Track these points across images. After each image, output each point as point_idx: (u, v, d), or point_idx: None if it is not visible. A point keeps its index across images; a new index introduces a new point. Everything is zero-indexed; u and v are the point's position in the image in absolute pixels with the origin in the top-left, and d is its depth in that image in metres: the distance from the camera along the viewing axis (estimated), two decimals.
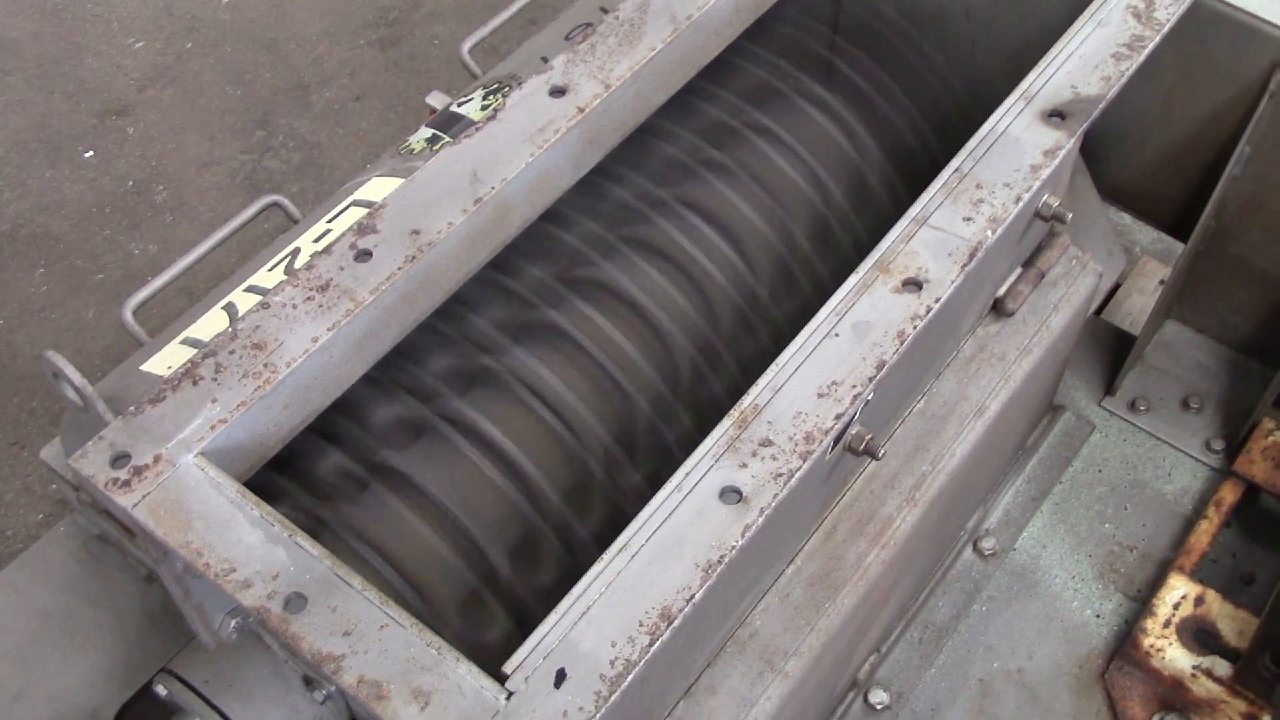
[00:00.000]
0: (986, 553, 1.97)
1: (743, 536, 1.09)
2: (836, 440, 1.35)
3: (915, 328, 1.22)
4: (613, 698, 1.00)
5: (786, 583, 1.50)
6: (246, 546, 1.09)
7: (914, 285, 1.24)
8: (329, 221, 1.46)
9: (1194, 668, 1.81)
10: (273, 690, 1.36)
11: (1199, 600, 1.86)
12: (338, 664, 1.02)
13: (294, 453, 1.33)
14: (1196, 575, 1.90)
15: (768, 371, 1.19)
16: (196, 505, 1.11)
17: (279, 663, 1.36)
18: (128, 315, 1.48)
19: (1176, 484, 2.05)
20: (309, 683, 1.35)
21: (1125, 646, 1.85)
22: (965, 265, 1.25)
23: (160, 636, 1.61)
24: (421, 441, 1.34)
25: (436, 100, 1.95)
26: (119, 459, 1.13)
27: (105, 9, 2.97)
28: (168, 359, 1.36)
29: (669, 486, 1.12)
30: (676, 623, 1.04)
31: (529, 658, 1.03)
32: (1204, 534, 1.94)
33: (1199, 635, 1.84)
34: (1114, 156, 2.13)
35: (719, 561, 1.07)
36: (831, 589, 1.49)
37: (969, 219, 1.29)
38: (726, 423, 1.16)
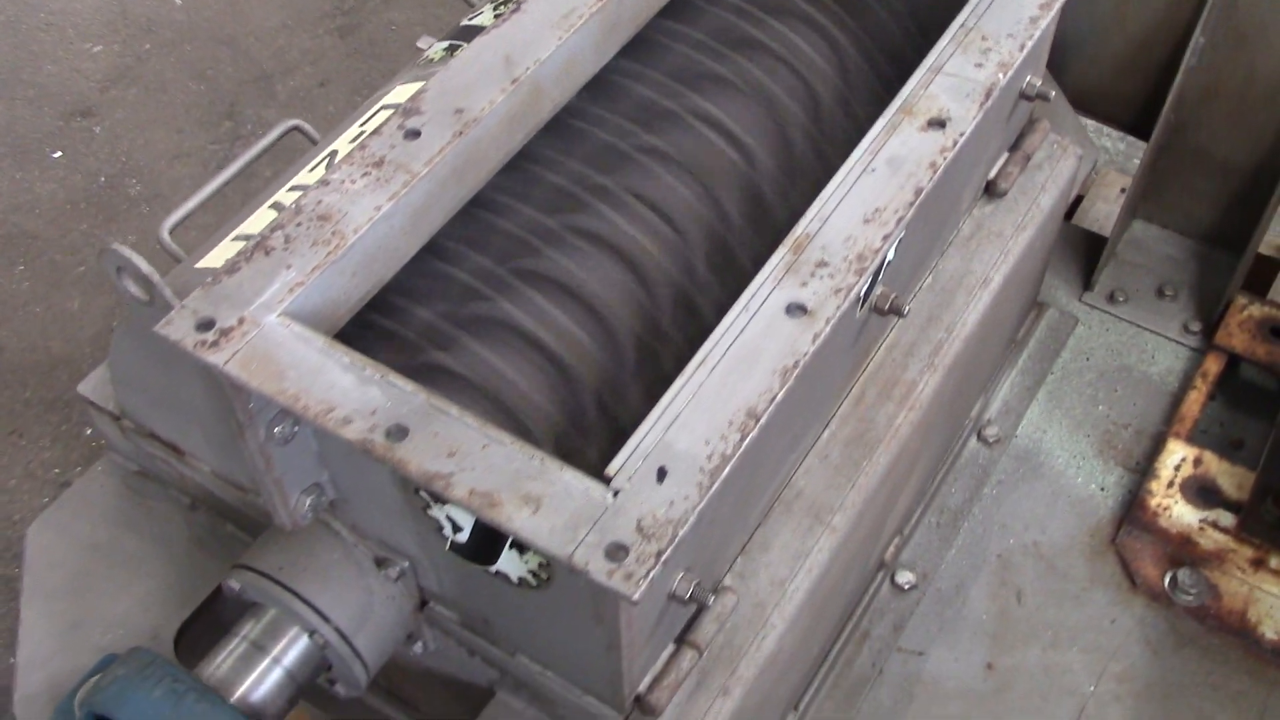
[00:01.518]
0: (991, 440, 2.05)
1: (813, 343, 1.15)
2: (864, 300, 1.42)
3: (945, 159, 1.29)
4: (714, 486, 1.06)
5: (824, 445, 1.56)
6: (341, 389, 1.12)
7: (938, 124, 1.32)
8: (361, 125, 1.51)
9: (1201, 521, 1.90)
10: (347, 573, 1.39)
11: (1197, 461, 1.96)
12: (447, 481, 1.06)
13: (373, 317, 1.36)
14: (1191, 441, 1.99)
15: (813, 205, 1.26)
16: (286, 358, 1.14)
17: (350, 547, 1.39)
18: (165, 235, 1.51)
19: (1160, 365, 2.15)
20: (380, 564, 1.38)
21: (1133, 511, 1.94)
22: (983, 104, 1.33)
23: (210, 558, 1.63)
24: (504, 296, 1.38)
25: (425, 43, 2.00)
26: (204, 324, 1.16)
27: (59, 17, 2.99)
28: (222, 255, 1.39)
29: (735, 309, 1.18)
30: (763, 420, 1.10)
31: (629, 460, 1.08)
32: (1194, 403, 2.04)
33: (1201, 492, 1.93)
34: (1074, 64, 2.24)
35: (794, 367, 1.13)
36: (867, 448, 1.56)
37: (980, 65, 1.37)
38: (781, 251, 1.22)
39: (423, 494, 1.23)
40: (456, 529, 1.25)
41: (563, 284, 1.45)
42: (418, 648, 1.50)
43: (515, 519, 1.04)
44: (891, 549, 1.89)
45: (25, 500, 2.28)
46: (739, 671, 1.39)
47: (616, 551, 1.02)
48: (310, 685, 1.43)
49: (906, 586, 1.90)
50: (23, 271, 2.69)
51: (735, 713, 1.38)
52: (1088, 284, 2.25)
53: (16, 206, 2.79)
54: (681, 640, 1.38)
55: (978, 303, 1.70)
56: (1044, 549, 1.95)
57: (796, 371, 1.13)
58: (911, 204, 1.25)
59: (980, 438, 2.05)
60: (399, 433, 1.09)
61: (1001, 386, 2.12)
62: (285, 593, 1.36)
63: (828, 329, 1.16)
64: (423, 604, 1.44)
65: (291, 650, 1.38)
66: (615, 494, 1.05)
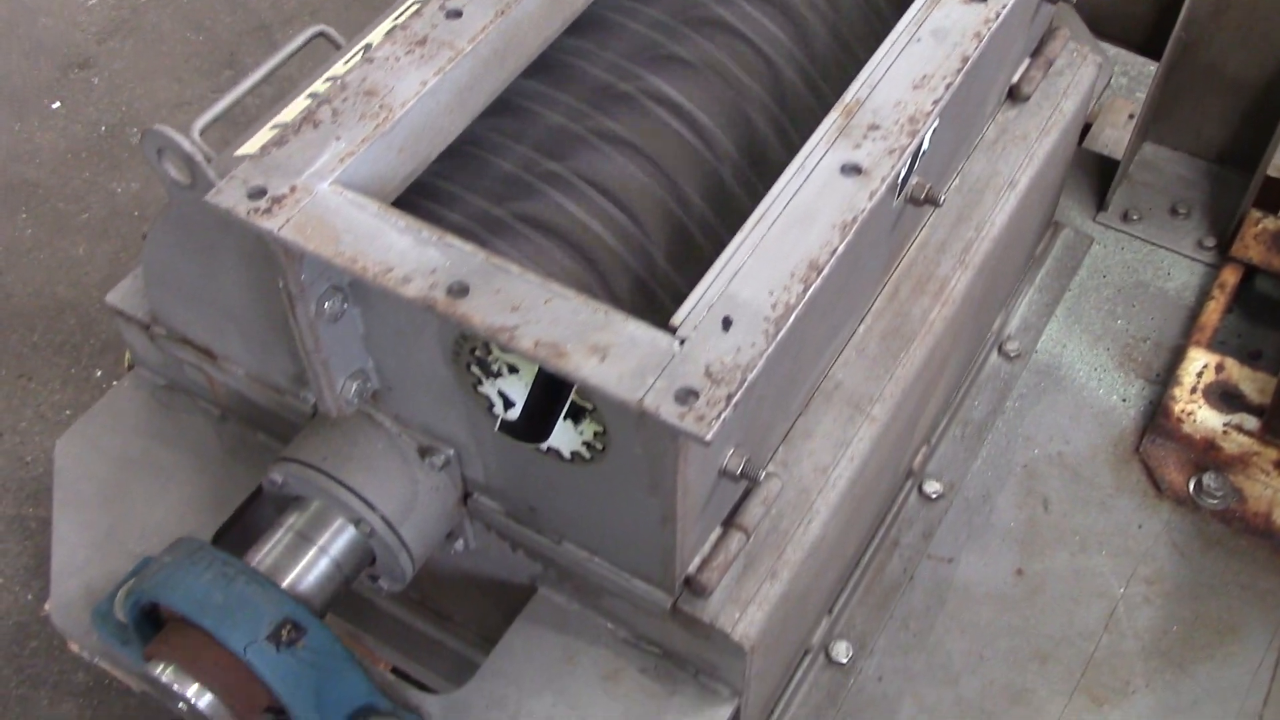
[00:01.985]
0: (1012, 355, 2.05)
1: (870, 200, 1.15)
2: (900, 189, 1.42)
3: (989, 30, 1.29)
4: (780, 334, 1.05)
5: (861, 339, 1.56)
6: (399, 250, 1.12)
7: None
8: (394, 20, 1.50)
9: (1224, 425, 1.91)
10: (391, 462, 1.38)
11: (1219, 367, 1.97)
12: (511, 333, 1.06)
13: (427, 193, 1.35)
14: (1212, 349, 2.01)
15: (861, 73, 1.26)
16: (341, 223, 1.14)
17: (394, 437, 1.39)
18: (195, 134, 1.50)
19: (1176, 280, 2.16)
20: (425, 453, 1.38)
21: (1156, 418, 1.95)
22: None
23: (243, 467, 1.62)
24: (551, 185, 1.37)
25: None
26: (255, 192, 1.15)
27: None
28: (260, 142, 1.38)
29: (790, 170, 1.18)
30: (825, 271, 1.10)
31: (693, 311, 1.07)
32: (1213, 312, 2.05)
33: (1224, 397, 1.94)
34: None
35: (853, 222, 1.13)
36: (904, 341, 1.56)
37: None
38: (833, 115, 1.22)
39: (474, 369, 1.23)
40: (508, 405, 1.24)
41: (606, 172, 1.45)
42: (458, 545, 1.49)
43: (583, 367, 1.03)
44: (920, 457, 1.89)
45: (37, 442, 2.26)
46: (786, 556, 1.39)
47: (686, 396, 1.02)
48: (355, 577, 1.42)
49: (934, 496, 1.90)
50: (25, 219, 2.66)
51: (782, 597, 1.38)
52: (1101, 205, 2.25)
53: (17, 156, 2.77)
54: (729, 524, 1.38)
55: (1005, 204, 1.71)
56: (1068, 459, 1.95)
57: (855, 226, 1.13)
58: (959, 71, 1.25)
59: (1001, 352, 2.06)
60: (460, 290, 1.08)
61: (1020, 303, 2.12)
62: (330, 482, 1.35)
63: (883, 188, 1.16)
64: (466, 497, 1.43)
65: (338, 540, 1.37)
66: (681, 342, 1.05)
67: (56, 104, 2.83)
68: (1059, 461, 1.95)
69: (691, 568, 1.35)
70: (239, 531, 1.57)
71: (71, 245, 2.58)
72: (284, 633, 1.25)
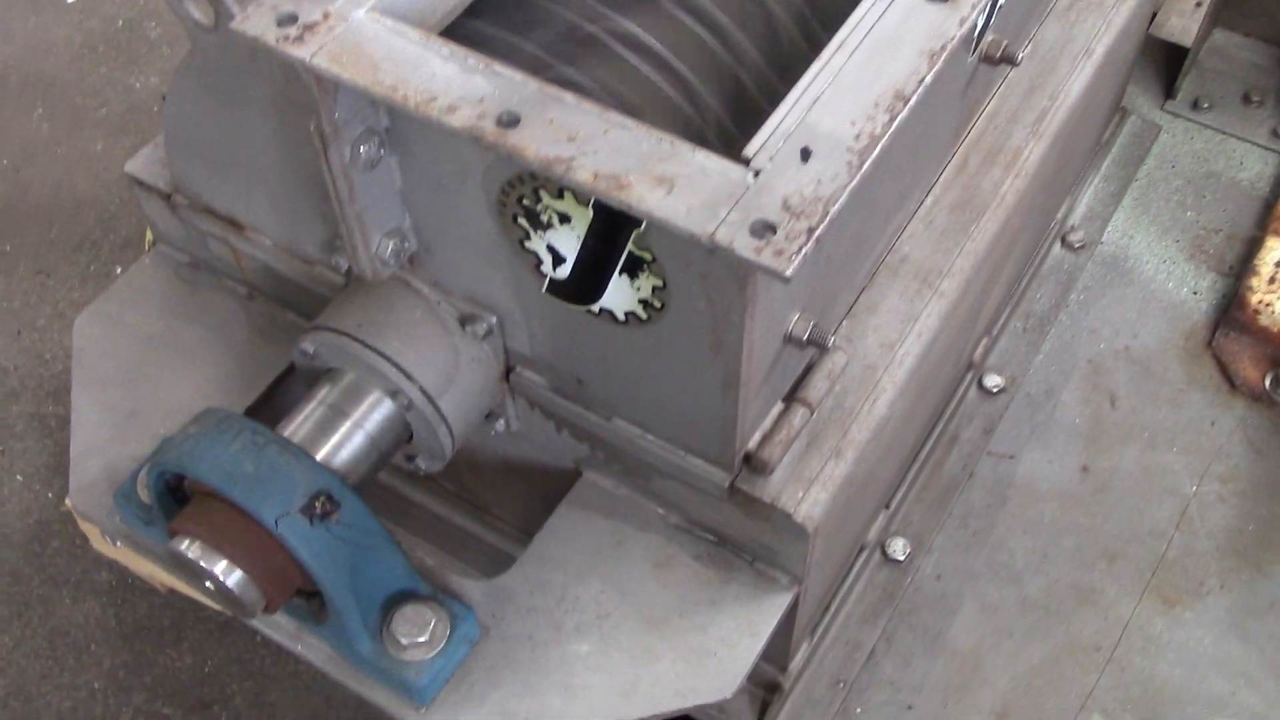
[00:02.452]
0: (1076, 246, 1.95)
1: (959, 27, 1.04)
2: (975, 45, 1.31)
3: None
4: (864, 166, 0.96)
5: (928, 211, 1.46)
6: (444, 79, 1.02)
7: None
8: None
9: None
10: (430, 330, 1.29)
11: None
12: (568, 165, 0.96)
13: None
14: None
15: None
16: (379, 51, 1.04)
17: (432, 304, 1.30)
18: None
19: (1250, 171, 2.04)
20: (466, 322, 1.29)
21: (1230, 312, 1.84)
22: None
23: (271, 347, 1.53)
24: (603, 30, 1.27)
25: None
26: (285, 19, 1.05)
27: None
28: None
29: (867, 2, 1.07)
30: (912, 101, 0.99)
31: (769, 141, 0.97)
32: None
33: None
34: None
35: (941, 51, 1.03)
36: (974, 214, 1.46)
37: None
38: None
39: (520, 222, 1.13)
40: (558, 261, 1.15)
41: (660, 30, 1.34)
42: (499, 426, 1.40)
43: (647, 200, 0.94)
44: (980, 349, 1.80)
45: (55, 339, 2.19)
46: (851, 435, 1.30)
47: (763, 230, 0.92)
48: (391, 455, 1.33)
49: (995, 390, 1.80)
50: (42, 114, 2.57)
51: (847, 478, 1.29)
52: (1169, 92, 2.13)
53: (32, 51, 2.67)
54: (791, 399, 1.29)
55: (1081, 72, 1.60)
56: (1136, 353, 1.86)
57: (944, 55, 1.02)
58: None
59: (1065, 243, 1.96)
60: (510, 120, 0.99)
61: (1085, 192, 2.02)
62: (366, 350, 1.27)
63: (974, 15, 1.05)
64: (508, 372, 1.34)
65: (373, 414, 1.29)
66: (756, 174, 0.95)
67: None
68: (1126, 356, 1.85)
69: (752, 443, 1.26)
70: (268, 414, 1.48)
71: (89, 141, 2.50)
72: (318, 505, 1.17)
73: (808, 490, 1.26)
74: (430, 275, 1.29)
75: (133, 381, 1.50)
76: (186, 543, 1.19)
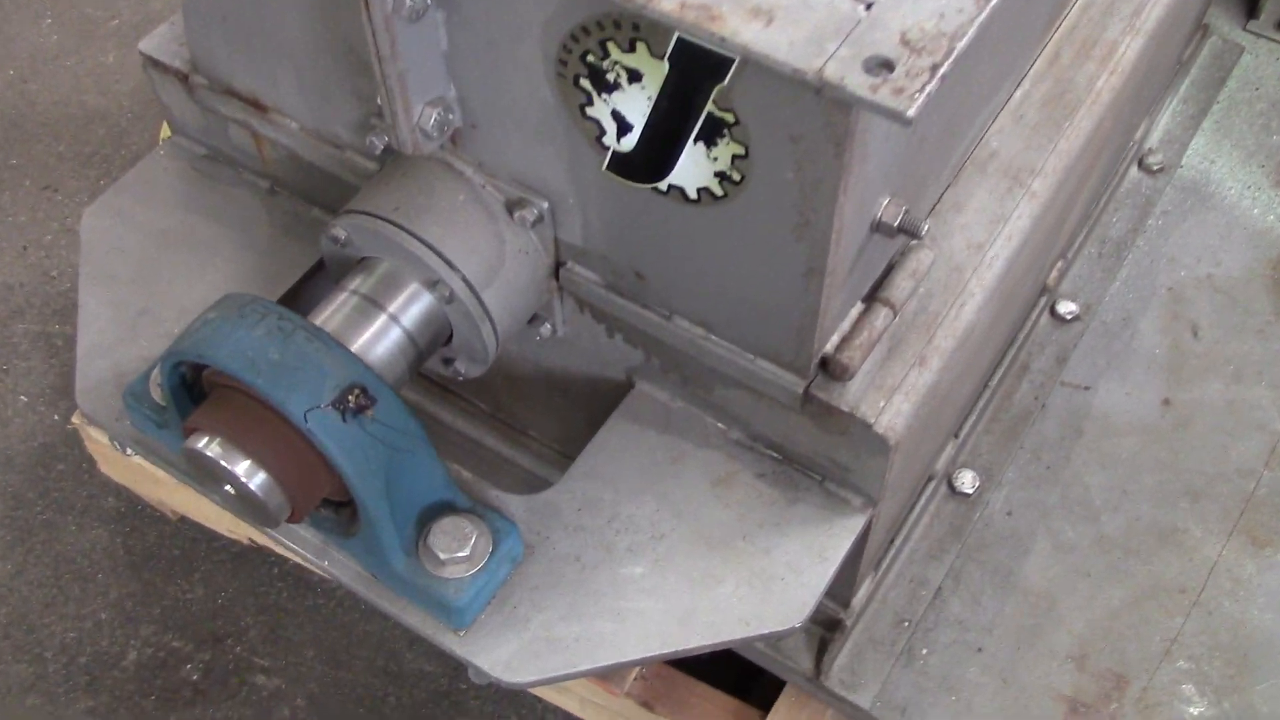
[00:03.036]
0: (1154, 169, 1.82)
1: None
2: None
3: None
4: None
5: (1018, 105, 1.33)
6: None
7: None
8: None
9: None
10: (474, 216, 1.17)
11: None
12: None
13: None
14: None
15: None
16: None
17: (476, 188, 1.17)
18: None
19: None
20: (514, 207, 1.16)
21: None
22: None
23: (295, 243, 1.41)
24: None
25: None
26: None
27: None
28: None
29: None
30: None
31: None
32: None
33: None
34: None
35: None
36: (1067, 109, 1.33)
37: None
38: None
39: (583, 84, 1.01)
40: (623, 130, 1.02)
41: None
42: (544, 330, 1.28)
43: (742, 33, 0.81)
44: (1055, 273, 1.67)
45: (63, 255, 2.07)
46: (936, 341, 1.18)
47: (878, 66, 0.80)
48: (429, 355, 1.21)
49: (1069, 317, 1.68)
50: (51, 25, 2.45)
51: (930, 389, 1.17)
52: (1252, 12, 2.00)
53: None
54: (872, 299, 1.17)
55: None
56: (1219, 282, 1.73)
57: None
58: None
59: (1142, 166, 1.82)
60: None
61: (1163, 114, 1.88)
62: (403, 235, 1.14)
63: None
64: (557, 269, 1.22)
65: (411, 308, 1.17)
66: (868, 6, 0.83)
67: None
68: (1208, 284, 1.72)
69: (829, 346, 1.13)
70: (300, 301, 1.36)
71: (100, 52, 2.38)
72: (351, 399, 1.05)
73: (889, 400, 1.14)
74: (475, 155, 1.16)
75: (144, 278, 1.39)
76: (205, 440, 1.08)
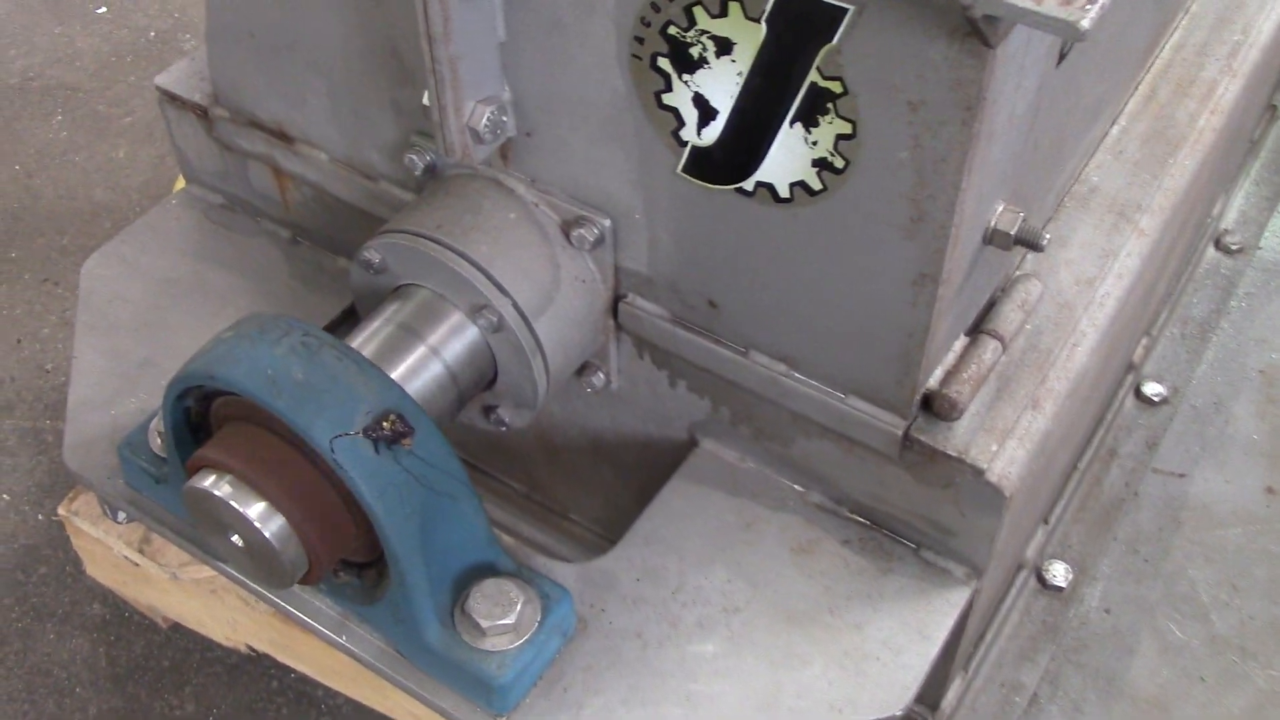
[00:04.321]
0: (1233, 248, 1.70)
1: None
2: None
3: None
4: None
5: (1116, 141, 1.22)
6: None
7: None
8: None
9: None
10: (526, 235, 1.04)
11: None
12: None
13: None
14: None
15: None
16: None
17: (529, 207, 1.04)
18: None
19: None
20: (569, 228, 1.03)
21: None
22: None
23: (318, 296, 1.28)
24: None
25: None
26: None
27: None
28: None
29: None
30: None
31: None
32: None
33: None
34: None
35: None
36: (1170, 146, 1.21)
37: None
38: None
39: (660, 65, 0.89)
40: (706, 118, 0.90)
41: None
42: (596, 381, 1.14)
43: None
44: (1140, 348, 1.53)
45: (59, 349, 1.93)
46: (1049, 383, 1.03)
47: None
48: (470, 397, 1.07)
49: (1156, 399, 1.53)
50: (61, 121, 2.36)
51: (1045, 435, 1.02)
52: None
53: (55, 60, 2.48)
54: (977, 331, 1.03)
55: (1273, 11, 1.37)
56: None
57: None
58: None
59: (1219, 246, 1.71)
60: None
61: (1236, 195, 1.78)
62: (446, 254, 1.01)
63: None
64: (615, 304, 1.08)
65: (453, 341, 1.03)
66: None
67: (103, 9, 2.54)
68: None
69: (933, 380, 0.99)
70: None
71: (111, 148, 2.28)
72: (387, 425, 0.90)
73: (1002, 444, 0.99)
74: (529, 170, 1.04)
75: (147, 328, 1.25)
76: (213, 479, 0.92)
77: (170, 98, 1.28)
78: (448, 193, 1.06)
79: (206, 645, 1.66)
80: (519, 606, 0.98)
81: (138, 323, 1.25)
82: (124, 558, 1.52)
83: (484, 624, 0.97)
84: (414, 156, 1.08)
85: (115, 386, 1.19)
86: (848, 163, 0.86)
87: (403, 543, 0.92)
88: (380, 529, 0.91)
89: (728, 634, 1.03)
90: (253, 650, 1.62)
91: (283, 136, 1.21)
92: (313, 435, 0.88)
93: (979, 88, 0.77)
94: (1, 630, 1.69)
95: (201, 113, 1.26)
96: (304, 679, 1.61)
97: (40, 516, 1.79)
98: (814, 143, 0.86)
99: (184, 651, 1.66)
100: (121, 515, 1.19)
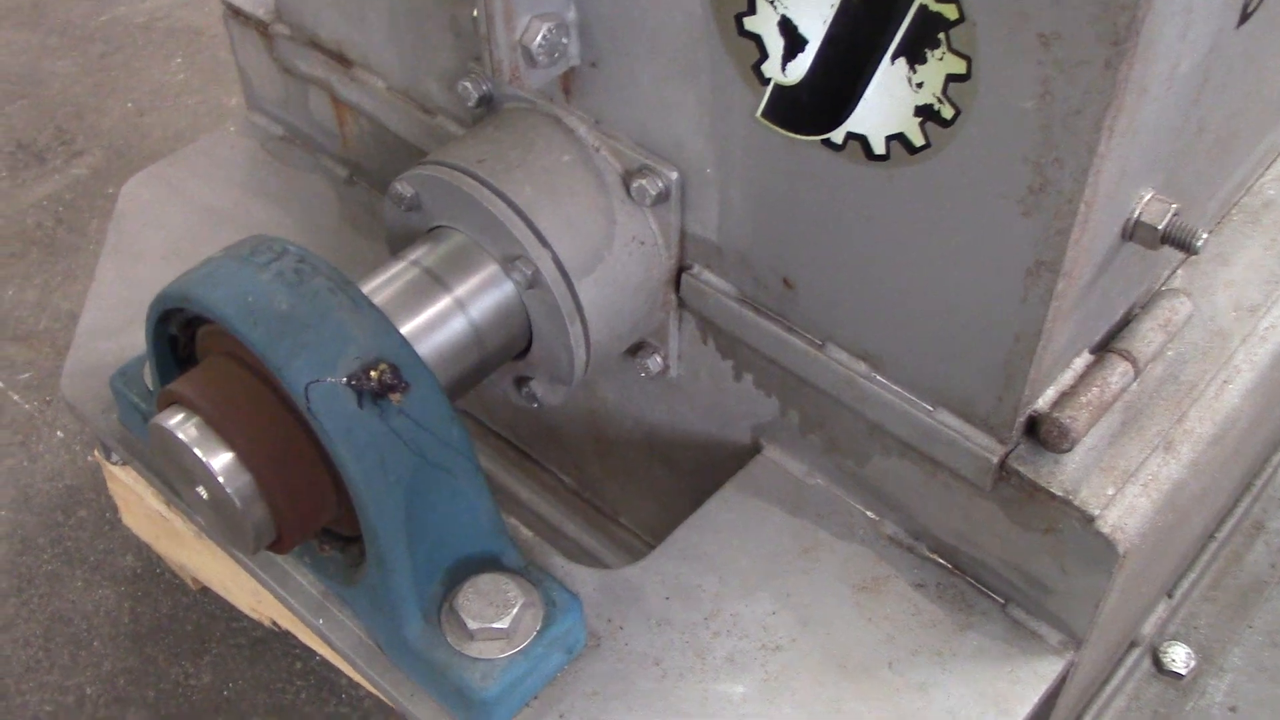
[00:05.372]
0: None
1: None
2: None
3: None
4: None
5: None
6: None
7: None
8: None
9: None
10: (579, 182, 0.89)
11: None
12: None
13: None
14: None
15: None
16: None
17: (588, 149, 0.90)
18: None
19: None
20: (630, 179, 0.88)
21: None
22: None
23: (367, 241, 1.15)
24: None
25: None
26: None
27: None
28: None
29: None
30: None
31: None
32: None
33: None
34: None
35: None
36: None
37: None
38: None
39: None
40: (794, 49, 0.74)
41: None
42: (652, 364, 0.99)
43: None
44: None
45: None
46: (1189, 423, 0.85)
47: None
48: (495, 366, 0.92)
49: None
50: (180, 64, 2.33)
51: (1177, 487, 0.83)
52: None
53: (184, 2, 2.45)
54: (1106, 349, 0.84)
55: None
56: None
57: None
58: None
59: None
60: None
61: None
62: (484, 192, 0.87)
63: None
64: (678, 275, 0.93)
65: (484, 295, 0.89)
66: None
67: None
68: None
69: (1043, 400, 0.81)
70: None
71: (224, 94, 2.23)
72: (375, 376, 0.76)
73: (1121, 490, 0.81)
74: (593, 108, 0.89)
75: (177, 257, 1.14)
76: (180, 418, 0.79)
77: (234, 12, 1.17)
78: (497, 126, 0.92)
79: (233, 614, 1.55)
80: (515, 610, 0.83)
81: (167, 251, 1.14)
82: (155, 510, 1.42)
83: (472, 625, 0.82)
84: (468, 84, 0.95)
85: (128, 315, 1.08)
86: (958, 112, 0.69)
87: (382, 515, 0.78)
88: (356, 495, 0.77)
89: (763, 676, 0.86)
90: (277, 626, 1.51)
91: (342, 59, 1.09)
92: (286, 375, 0.75)
93: (1132, 18, 0.60)
94: (30, 570, 1.61)
95: (263, 29, 1.15)
96: (328, 664, 1.50)
97: (89, 458, 1.71)
98: (919, 84, 0.70)
99: (209, 617, 1.55)
100: (115, 456, 1.08)
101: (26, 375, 1.81)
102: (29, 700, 1.48)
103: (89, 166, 2.12)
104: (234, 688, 1.49)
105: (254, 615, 1.52)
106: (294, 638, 1.48)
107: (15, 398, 1.78)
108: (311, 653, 1.46)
